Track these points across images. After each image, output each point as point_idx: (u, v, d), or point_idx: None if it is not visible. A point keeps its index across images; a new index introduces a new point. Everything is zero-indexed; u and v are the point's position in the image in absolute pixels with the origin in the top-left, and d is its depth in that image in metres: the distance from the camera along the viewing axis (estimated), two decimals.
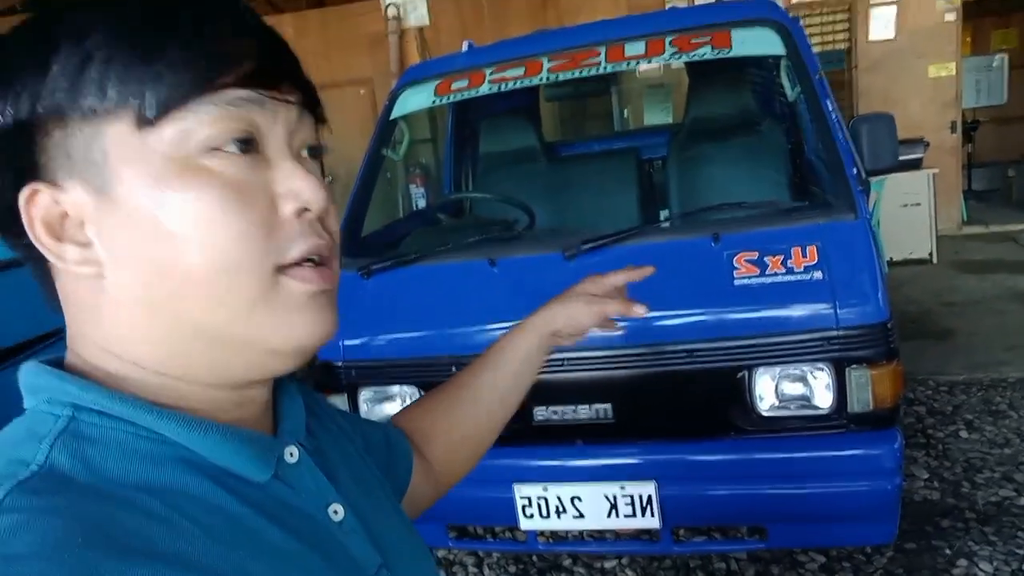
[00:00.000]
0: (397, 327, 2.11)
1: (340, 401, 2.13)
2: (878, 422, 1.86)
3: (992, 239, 6.65)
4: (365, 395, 2.13)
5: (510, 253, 2.13)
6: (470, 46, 3.01)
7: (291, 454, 0.49)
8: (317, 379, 2.19)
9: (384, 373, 2.10)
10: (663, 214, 2.97)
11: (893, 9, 6.60)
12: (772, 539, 1.99)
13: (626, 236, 2.02)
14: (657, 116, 5.40)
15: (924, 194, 6.04)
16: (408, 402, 2.12)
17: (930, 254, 6.10)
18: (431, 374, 2.05)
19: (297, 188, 0.45)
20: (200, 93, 0.41)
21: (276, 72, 0.45)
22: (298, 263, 0.45)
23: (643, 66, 3.30)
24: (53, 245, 0.42)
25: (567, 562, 2.55)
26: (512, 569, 2.57)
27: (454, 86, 2.63)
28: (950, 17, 6.58)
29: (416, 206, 3.98)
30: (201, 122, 0.41)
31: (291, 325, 0.45)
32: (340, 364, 2.12)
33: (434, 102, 2.65)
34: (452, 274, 2.13)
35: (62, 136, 0.41)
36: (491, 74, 2.59)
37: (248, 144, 0.43)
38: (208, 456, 0.44)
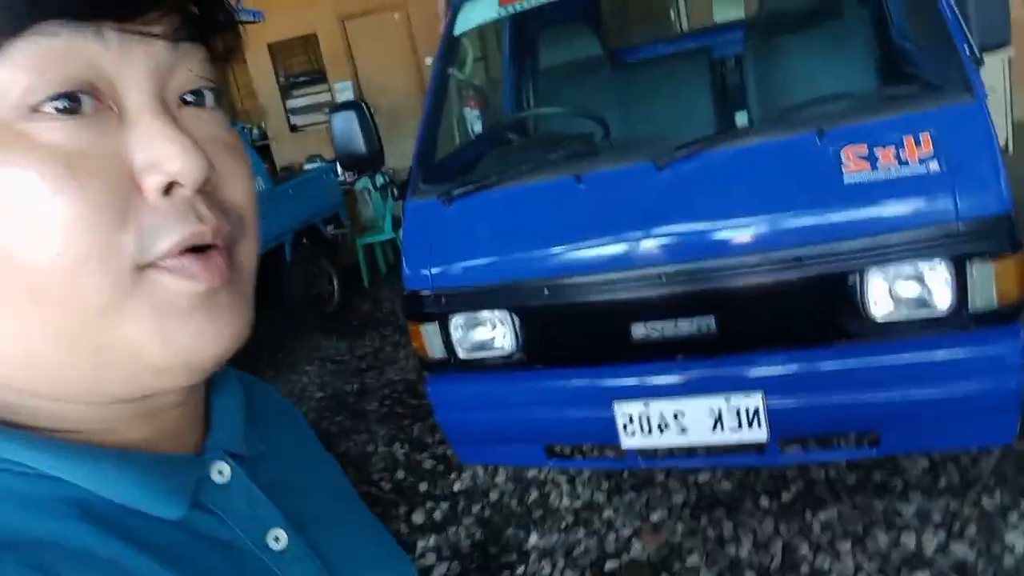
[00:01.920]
0: (485, 252, 2.05)
1: (432, 330, 2.11)
2: (1001, 318, 1.76)
3: None
4: (456, 321, 2.10)
5: (595, 168, 2.03)
6: None
7: (220, 472, 0.40)
8: (407, 310, 2.17)
9: (475, 299, 2.06)
10: (740, 116, 2.82)
11: None
12: (885, 445, 1.93)
13: (722, 139, 1.91)
14: (728, 11, 5.07)
15: (998, 79, 5.66)
16: (499, 327, 2.09)
17: (1006, 144, 5.76)
18: (523, 297, 2.01)
19: (158, 155, 0.32)
20: (12, 31, 0.29)
21: None
22: (174, 255, 0.33)
23: None
24: None
25: (660, 477, 2.54)
26: (605, 486, 2.58)
27: None
28: None
29: (472, 130, 3.86)
30: (15, 72, 0.29)
31: (170, 336, 0.34)
32: (429, 293, 2.09)
33: (499, 14, 2.51)
34: (537, 194, 2.05)
35: None
36: None
37: (79, 100, 0.31)
38: (103, 494, 0.34)
